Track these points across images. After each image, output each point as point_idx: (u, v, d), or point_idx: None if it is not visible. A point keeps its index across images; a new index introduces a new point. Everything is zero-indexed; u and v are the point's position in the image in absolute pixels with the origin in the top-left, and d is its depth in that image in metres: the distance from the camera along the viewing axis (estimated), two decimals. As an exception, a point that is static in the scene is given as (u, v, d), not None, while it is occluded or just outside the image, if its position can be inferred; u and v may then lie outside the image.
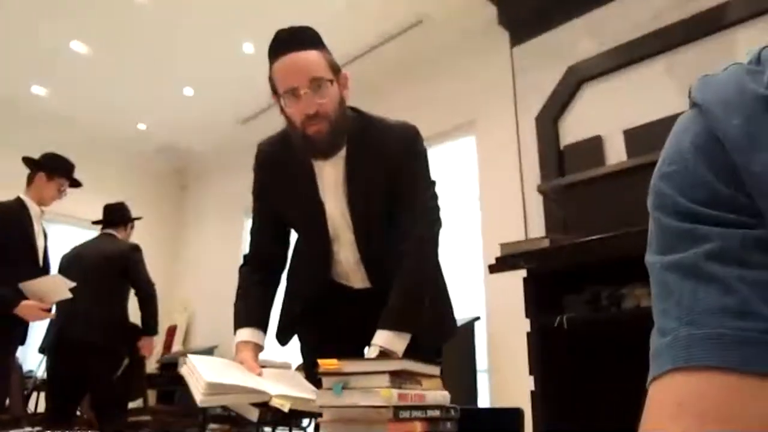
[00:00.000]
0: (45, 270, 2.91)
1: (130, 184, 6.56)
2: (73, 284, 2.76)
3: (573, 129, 3.47)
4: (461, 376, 3.33)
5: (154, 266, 6.33)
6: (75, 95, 5.41)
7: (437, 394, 1.32)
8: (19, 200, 2.91)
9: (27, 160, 3.02)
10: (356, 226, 1.59)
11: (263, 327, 1.60)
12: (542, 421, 2.16)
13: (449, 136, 4.41)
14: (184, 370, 1.32)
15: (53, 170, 2.98)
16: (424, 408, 1.26)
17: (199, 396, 1.21)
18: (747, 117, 0.42)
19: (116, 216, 3.60)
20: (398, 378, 1.21)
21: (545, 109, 3.62)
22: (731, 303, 0.39)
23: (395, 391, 1.19)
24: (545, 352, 2.30)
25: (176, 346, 5.89)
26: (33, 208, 2.92)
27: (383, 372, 1.22)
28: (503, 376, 3.58)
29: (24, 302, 2.60)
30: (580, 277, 2.34)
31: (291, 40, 1.49)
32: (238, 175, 6.42)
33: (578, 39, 3.54)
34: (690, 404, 0.38)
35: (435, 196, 1.72)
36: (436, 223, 1.69)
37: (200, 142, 6.35)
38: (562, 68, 3.55)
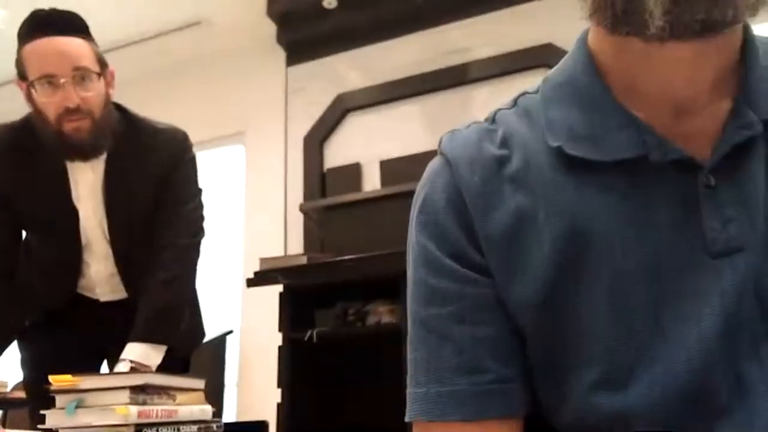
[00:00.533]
0: None
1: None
2: None
3: (336, 154, 3.69)
4: (209, 391, 3.25)
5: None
6: None
7: (194, 409, 1.27)
8: None
9: None
10: (114, 238, 1.46)
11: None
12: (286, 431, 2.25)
13: (219, 143, 4.33)
14: None
15: None
16: (175, 424, 1.20)
17: None
18: (483, 176, 0.48)
19: None
20: (144, 393, 1.15)
21: (313, 131, 3.79)
22: (464, 362, 0.46)
23: (135, 408, 1.13)
24: (294, 364, 2.40)
25: None
26: None
27: (123, 387, 1.15)
28: (252, 391, 3.60)
29: None
30: (331, 294, 2.50)
31: (53, 23, 1.33)
32: None
33: (349, 70, 3.80)
34: None
35: (201, 206, 1.69)
36: (199, 233, 1.65)
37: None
38: (332, 95, 3.77)
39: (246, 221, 4.02)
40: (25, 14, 1.36)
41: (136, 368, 1.37)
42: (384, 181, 3.25)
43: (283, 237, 3.73)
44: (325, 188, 3.54)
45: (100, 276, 1.50)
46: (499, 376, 0.46)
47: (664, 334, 0.42)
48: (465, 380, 0.45)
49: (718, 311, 0.41)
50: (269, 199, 3.89)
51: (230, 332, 3.61)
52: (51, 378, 1.21)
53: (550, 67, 0.53)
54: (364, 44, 3.79)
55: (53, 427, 1.18)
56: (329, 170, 3.59)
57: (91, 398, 1.15)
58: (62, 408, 1.16)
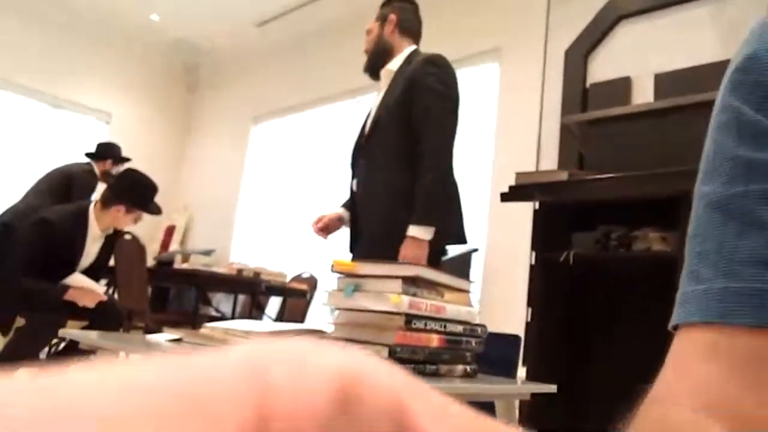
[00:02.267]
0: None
1: (139, 77, 6.41)
2: (103, 289, 2.72)
3: (602, 67, 3.35)
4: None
5: (157, 165, 6.32)
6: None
7: (461, 309, 1.27)
8: (79, 217, 2.72)
9: (110, 188, 2.82)
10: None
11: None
12: (535, 351, 2.19)
13: (474, 61, 4.26)
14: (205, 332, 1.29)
15: (135, 203, 2.76)
16: (442, 320, 1.21)
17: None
18: None
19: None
20: (414, 285, 1.17)
21: (576, 43, 3.48)
22: None
23: (406, 298, 1.16)
24: (546, 285, 2.30)
25: (173, 246, 5.93)
26: (93, 229, 2.75)
27: (396, 277, 1.18)
28: (495, 308, 3.62)
29: (73, 291, 2.58)
30: (591, 216, 2.31)
31: None
32: (249, 80, 6.27)
33: (622, -29, 3.35)
34: (724, 349, 0.34)
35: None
36: None
37: (214, 42, 6.14)
38: (601, 1, 3.38)
39: (497, 137, 3.93)
40: None
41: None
42: (658, 96, 2.85)
43: (536, 155, 3.57)
44: (586, 103, 3.25)
45: None
46: None
47: None
48: None
49: None
50: (523, 115, 3.74)
51: (476, 250, 3.65)
52: (333, 261, 1.31)
53: None
54: (641, -60, 3.29)
55: (333, 306, 1.28)
56: (593, 85, 3.28)
57: (368, 284, 1.21)
58: (341, 290, 1.25)
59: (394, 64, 2.14)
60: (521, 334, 2.26)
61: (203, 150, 6.54)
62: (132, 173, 2.92)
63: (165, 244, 5.98)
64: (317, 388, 0.13)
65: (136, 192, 2.79)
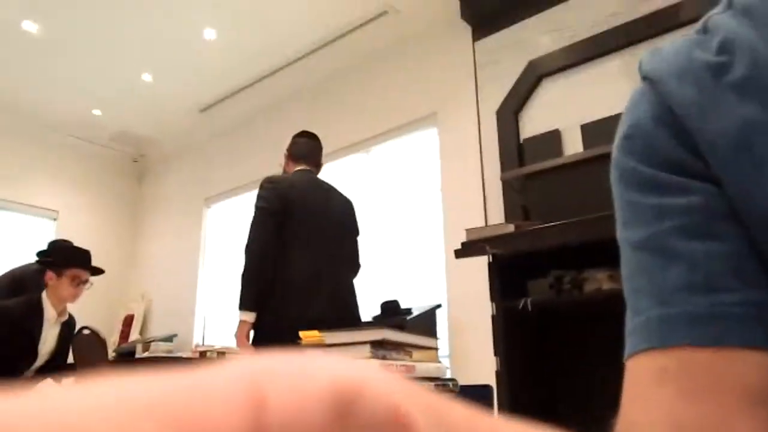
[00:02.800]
0: (51, 369, 2.78)
1: (84, 172, 6.38)
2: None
3: (532, 122, 3.58)
4: (424, 361, 3.39)
5: (109, 256, 6.21)
6: (26, 76, 5.22)
7: (430, 366, 1.33)
8: (33, 303, 2.73)
9: (39, 261, 2.83)
10: None
11: None
12: (507, 398, 2.25)
13: (412, 128, 4.48)
14: None
15: (58, 264, 2.76)
16: (413, 380, 1.27)
17: None
18: (698, 86, 0.42)
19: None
20: (382, 348, 1.24)
21: (506, 103, 3.72)
22: (698, 280, 0.39)
23: (376, 363, 1.22)
24: (510, 333, 2.39)
25: (134, 335, 5.77)
26: (48, 311, 2.75)
27: (365, 342, 1.24)
28: (465, 361, 3.67)
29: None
30: (542, 262, 2.43)
31: None
32: (198, 164, 6.33)
33: (539, 35, 3.66)
34: (671, 370, 0.38)
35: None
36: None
37: (158, 131, 6.21)
38: (523, 63, 3.66)
39: (444, 197, 4.10)
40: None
41: None
42: (587, 145, 3.07)
43: (483, 210, 3.73)
44: (523, 158, 3.46)
45: None
46: (746, 298, 0.37)
47: None
48: (700, 299, 0.38)
49: None
50: (466, 174, 3.92)
51: (439, 306, 3.73)
52: (301, 334, 1.36)
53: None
54: (552, 4, 3.61)
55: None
56: (526, 140, 3.50)
57: (335, 353, 1.27)
58: (312, 361, 1.29)
59: None
60: (493, 382, 2.32)
61: (157, 237, 6.49)
62: (55, 243, 2.91)
63: (124, 335, 5.82)
64: (315, 400, 0.13)
65: (58, 255, 2.79)
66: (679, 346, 0.38)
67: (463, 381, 3.73)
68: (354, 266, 2.71)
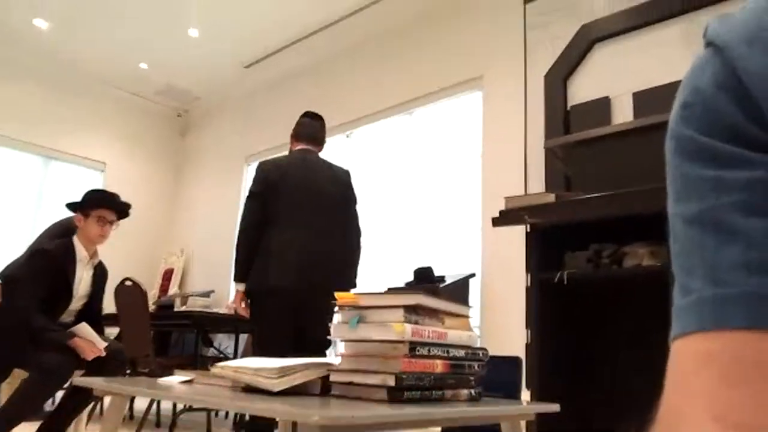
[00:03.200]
0: (87, 316, 2.91)
1: (130, 125, 6.51)
2: (104, 344, 2.78)
3: (581, 89, 3.46)
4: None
5: (152, 210, 6.37)
6: (76, 30, 5.30)
7: (462, 334, 1.31)
8: (67, 244, 2.90)
9: (68, 205, 2.97)
10: None
11: None
12: (536, 372, 2.23)
13: (456, 91, 4.39)
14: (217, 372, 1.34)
15: (84, 206, 2.91)
16: (445, 346, 1.26)
17: (272, 382, 1.22)
18: None
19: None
20: (415, 314, 1.22)
21: (555, 68, 3.59)
22: (755, 259, 0.36)
23: (409, 326, 1.21)
24: (543, 306, 2.35)
25: (173, 289, 5.95)
26: (80, 252, 2.91)
27: (398, 306, 1.23)
28: (495, 331, 3.66)
29: (77, 340, 2.67)
30: (581, 235, 2.37)
31: None
32: (240, 121, 6.38)
33: (593, -3, 3.49)
34: (719, 355, 0.36)
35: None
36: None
37: (203, 86, 6.27)
38: (575, 26, 3.51)
39: (484, 163, 4.02)
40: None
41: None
42: (638, 115, 2.95)
43: (523, 179, 3.66)
44: (569, 125, 3.35)
45: None
46: None
47: None
48: (756, 280, 0.36)
49: None
50: (508, 140, 3.83)
51: (473, 275, 3.70)
52: (337, 295, 1.36)
53: None
54: (610, -34, 3.44)
55: (339, 339, 1.33)
56: (574, 107, 3.38)
57: (371, 315, 1.26)
58: (346, 322, 1.29)
59: None
60: (522, 355, 2.30)
61: (197, 193, 6.61)
62: (87, 192, 3.03)
63: (164, 288, 6.00)
64: None
65: (85, 199, 2.93)
66: (734, 329, 0.35)
67: (493, 351, 3.76)
68: (350, 234, 2.89)
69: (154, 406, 3.68)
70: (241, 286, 2.72)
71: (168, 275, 6.11)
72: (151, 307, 4.54)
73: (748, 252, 0.37)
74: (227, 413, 4.31)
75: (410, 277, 3.65)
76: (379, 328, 1.23)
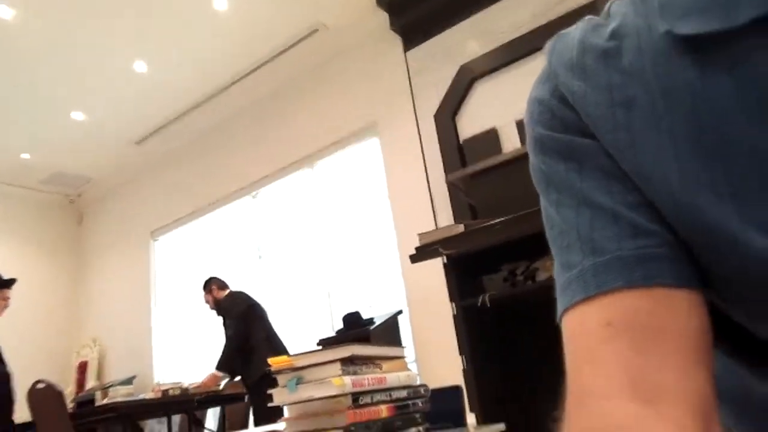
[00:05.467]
0: None
1: (20, 219, 6.12)
2: None
3: (470, 123, 3.68)
4: (392, 369, 3.41)
5: (52, 305, 5.97)
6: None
7: (400, 375, 1.34)
8: None
9: None
10: None
11: None
12: (477, 395, 2.31)
13: (353, 140, 4.52)
14: None
15: None
16: (386, 390, 1.28)
17: None
18: (587, 75, 0.44)
19: None
20: (352, 364, 1.25)
21: (442, 107, 3.81)
22: (623, 227, 0.40)
23: (348, 378, 1.23)
24: (471, 331, 2.45)
25: (90, 382, 5.56)
26: None
27: (333, 361, 1.25)
28: (431, 364, 3.72)
29: None
30: (495, 258, 2.51)
31: None
32: (139, 197, 6.17)
33: (466, 40, 3.77)
34: (619, 322, 0.38)
35: None
36: None
37: (94, 168, 6.03)
38: (454, 68, 3.76)
39: (393, 204, 4.15)
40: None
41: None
42: (524, 140, 3.18)
43: (432, 213, 3.80)
44: (464, 158, 3.55)
45: None
46: (668, 239, 0.39)
47: None
48: (629, 244, 0.39)
49: None
50: (411, 179, 3.98)
51: (400, 312, 3.76)
52: (270, 360, 1.36)
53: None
54: (475, 11, 3.73)
55: (280, 404, 1.32)
56: (465, 141, 3.59)
57: (309, 374, 1.27)
58: (285, 386, 1.29)
59: None
60: (461, 382, 2.37)
61: (103, 278, 6.28)
62: None
63: (81, 383, 5.60)
64: None
65: None
66: (614, 289, 0.38)
67: (432, 384, 3.80)
68: None
69: None
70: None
71: (83, 368, 5.72)
72: (70, 407, 4.22)
73: (615, 222, 0.41)
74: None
75: (340, 325, 3.66)
76: (320, 386, 1.24)
